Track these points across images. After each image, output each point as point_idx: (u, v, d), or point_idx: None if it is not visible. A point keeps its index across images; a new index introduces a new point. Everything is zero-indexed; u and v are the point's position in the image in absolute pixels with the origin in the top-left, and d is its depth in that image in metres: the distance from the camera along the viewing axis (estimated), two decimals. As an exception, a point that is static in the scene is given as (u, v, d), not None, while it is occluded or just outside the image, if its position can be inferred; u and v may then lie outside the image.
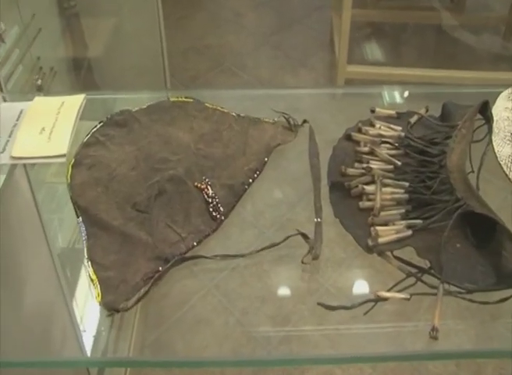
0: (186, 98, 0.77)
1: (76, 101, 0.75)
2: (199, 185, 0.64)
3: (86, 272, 0.55)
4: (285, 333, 0.56)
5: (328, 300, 0.55)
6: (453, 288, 0.55)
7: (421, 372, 1.17)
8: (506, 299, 0.53)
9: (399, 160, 0.67)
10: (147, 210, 0.60)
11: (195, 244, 0.58)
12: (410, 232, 0.58)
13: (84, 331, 0.56)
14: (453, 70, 1.85)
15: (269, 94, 0.88)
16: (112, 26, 1.49)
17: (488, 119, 0.73)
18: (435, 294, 0.54)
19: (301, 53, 2.19)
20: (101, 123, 0.72)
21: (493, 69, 1.88)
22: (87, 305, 0.58)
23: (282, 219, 0.64)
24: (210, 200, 0.62)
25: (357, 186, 0.63)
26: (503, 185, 0.67)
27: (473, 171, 0.67)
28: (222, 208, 0.62)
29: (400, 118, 0.74)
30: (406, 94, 0.87)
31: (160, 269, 0.55)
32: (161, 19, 1.58)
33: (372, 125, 0.73)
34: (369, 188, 0.63)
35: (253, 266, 0.59)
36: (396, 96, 0.87)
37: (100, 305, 0.52)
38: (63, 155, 0.67)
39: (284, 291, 0.60)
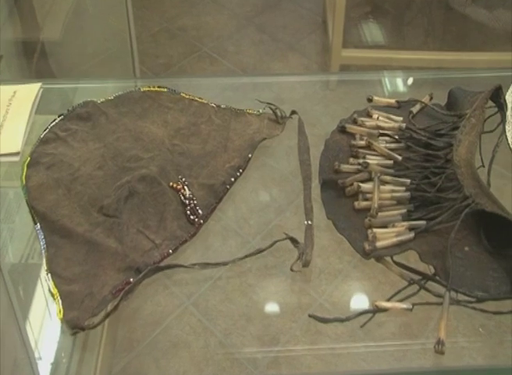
0: (159, 87, 0.78)
1: (31, 91, 0.75)
2: (175, 185, 0.65)
3: (45, 287, 0.56)
4: (274, 354, 0.56)
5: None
6: (461, 297, 0.57)
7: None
8: (519, 307, 0.55)
9: (399, 154, 0.69)
10: (115, 214, 0.61)
11: (171, 251, 0.60)
12: (412, 234, 0.60)
13: (40, 359, 0.56)
14: (464, 52, 1.88)
15: (254, 82, 0.90)
16: (69, 5, 1.50)
17: (502, 107, 0.75)
18: (441, 304, 0.56)
19: (290, 36, 2.20)
20: (61, 117, 0.73)
21: (509, 49, 1.91)
22: (44, 328, 0.58)
23: (269, 223, 0.66)
24: (187, 202, 0.64)
25: (352, 184, 0.65)
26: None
27: (483, 165, 0.70)
28: (200, 211, 0.63)
29: (400, 107, 0.77)
30: (409, 80, 0.89)
31: (131, 280, 0.57)
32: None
33: (369, 115, 0.75)
34: (366, 186, 0.65)
35: (236, 278, 0.60)
36: (398, 83, 0.89)
37: (62, 322, 0.53)
38: (17, 153, 0.68)
39: (272, 308, 0.61)
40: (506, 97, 0.77)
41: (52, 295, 0.55)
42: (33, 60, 1.41)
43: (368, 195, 0.64)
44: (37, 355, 0.56)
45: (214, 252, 0.62)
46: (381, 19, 2.20)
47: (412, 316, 0.56)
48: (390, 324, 0.57)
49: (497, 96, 0.75)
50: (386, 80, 0.86)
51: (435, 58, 1.84)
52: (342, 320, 0.56)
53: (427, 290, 0.57)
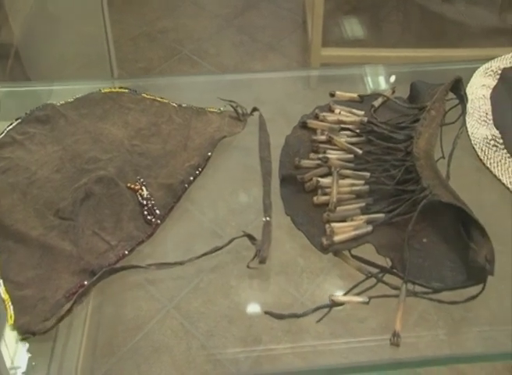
0: (120, 88, 0.78)
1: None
2: (132, 186, 0.65)
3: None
4: (256, 354, 0.56)
5: (304, 319, 0.55)
6: (419, 288, 0.57)
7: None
8: (474, 297, 0.54)
9: (360, 148, 0.69)
10: (71, 217, 0.60)
11: (126, 252, 0.59)
12: (370, 228, 0.60)
13: (14, 369, 0.55)
14: (443, 49, 1.89)
15: (234, 82, 0.88)
16: (42, 8, 1.48)
17: (462, 99, 0.75)
18: (398, 296, 0.55)
19: (270, 36, 2.20)
20: (19, 120, 0.72)
21: (489, 45, 1.92)
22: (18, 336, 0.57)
23: (229, 221, 0.65)
24: (145, 202, 0.63)
25: (311, 179, 0.65)
26: (478, 171, 0.70)
27: (444, 157, 0.69)
28: (158, 211, 0.63)
29: (363, 101, 0.76)
30: (387, 74, 0.87)
31: (85, 283, 0.56)
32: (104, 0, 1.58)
33: (332, 110, 0.75)
34: (325, 181, 0.64)
35: (218, 280, 0.60)
36: (380, 78, 0.87)
37: (13, 328, 0.52)
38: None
39: (254, 308, 0.60)
40: (467, 89, 0.77)
41: (4, 301, 0.54)
42: (7, 65, 1.40)
43: (327, 190, 0.64)
44: (10, 365, 0.55)
45: (172, 249, 0.62)
46: (360, 17, 2.20)
47: (393, 312, 0.56)
48: (371, 320, 0.57)
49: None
50: (368, 74, 0.85)
51: (414, 55, 1.84)
52: (298, 316, 0.55)
53: (384, 283, 0.57)
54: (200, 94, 0.80)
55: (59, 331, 0.57)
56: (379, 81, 0.87)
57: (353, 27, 2.17)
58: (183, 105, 0.75)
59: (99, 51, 1.68)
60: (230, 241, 0.60)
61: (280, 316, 0.55)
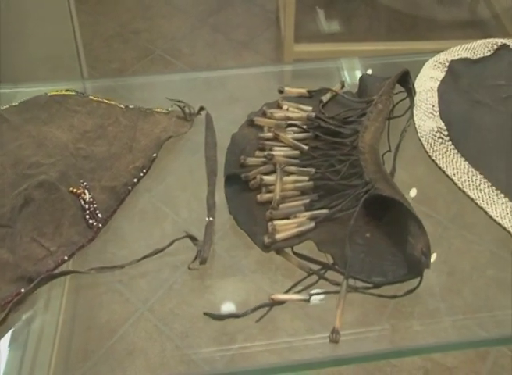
0: (66, 91, 0.76)
1: None
2: (75, 190, 0.64)
3: None
4: (232, 353, 0.55)
5: (282, 313, 0.55)
6: (360, 283, 0.56)
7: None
8: (412, 291, 0.54)
9: (307, 144, 0.68)
10: (9, 224, 0.59)
11: (66, 258, 0.58)
12: (312, 224, 0.59)
13: None
14: (415, 42, 1.89)
15: (208, 81, 0.86)
16: (8, 10, 1.46)
17: (410, 92, 0.75)
18: (339, 292, 0.55)
19: (244, 34, 2.19)
20: (-42, 127, 0.71)
21: (462, 37, 1.92)
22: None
23: (173, 222, 0.64)
24: (87, 206, 0.62)
25: (255, 177, 0.64)
26: (424, 164, 0.69)
27: (390, 150, 0.69)
28: (100, 215, 0.62)
29: (312, 97, 0.76)
30: (363, 67, 0.85)
31: (22, 290, 0.55)
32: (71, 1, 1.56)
33: (280, 107, 0.74)
34: (269, 178, 0.64)
35: (193, 281, 0.59)
36: (357, 71, 0.85)
37: None
38: None
39: (229, 307, 0.59)
40: (416, 82, 0.77)
41: None
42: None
43: (272, 187, 0.63)
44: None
45: (115, 252, 0.61)
46: (332, 12, 2.20)
47: (368, 305, 0.56)
48: (348, 314, 0.56)
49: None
50: (344, 68, 0.84)
51: (387, 48, 1.84)
52: (238, 316, 0.54)
53: (325, 279, 0.56)
54: (166, 93, 0.77)
55: (29, 338, 0.56)
56: (356, 75, 0.86)
57: (326, 23, 2.16)
58: (131, 107, 0.74)
59: (69, 52, 1.66)
60: (171, 243, 0.59)
61: (219, 317, 0.54)
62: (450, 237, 0.64)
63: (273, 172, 0.65)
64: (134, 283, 0.59)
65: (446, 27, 2.07)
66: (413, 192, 0.67)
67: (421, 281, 0.54)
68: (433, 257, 0.60)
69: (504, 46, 0.79)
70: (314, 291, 0.56)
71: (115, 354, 0.57)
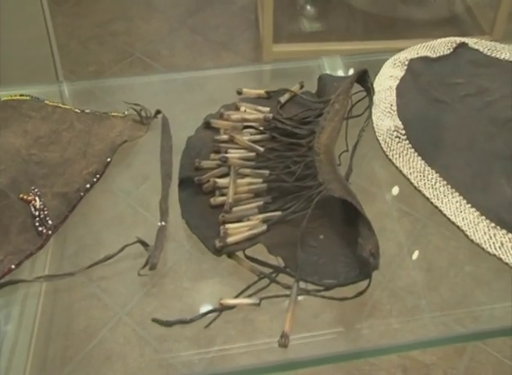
0: (21, 95, 0.75)
1: None
2: (25, 197, 0.63)
3: None
4: (211, 355, 0.55)
5: (260, 314, 0.55)
6: (313, 286, 0.55)
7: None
8: (362, 292, 0.53)
9: (263, 146, 0.67)
10: (-45, 234, 0.58)
11: (13, 267, 0.57)
12: (264, 227, 0.59)
13: None
14: (394, 41, 1.89)
15: (186, 83, 0.85)
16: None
17: (369, 91, 0.74)
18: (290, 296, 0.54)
19: (223, 35, 2.19)
20: None
21: (441, 35, 1.93)
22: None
23: (128, 227, 0.63)
24: (37, 213, 0.61)
25: (208, 180, 0.63)
26: (381, 163, 0.69)
27: (348, 150, 0.69)
28: (50, 222, 0.61)
29: (271, 98, 0.75)
30: (345, 65, 0.85)
31: (-34, 300, 0.54)
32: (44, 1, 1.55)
33: (238, 109, 0.73)
34: (222, 181, 0.63)
35: (171, 284, 0.59)
36: (339, 70, 0.84)
37: None
38: None
39: (207, 310, 0.59)
40: (375, 81, 0.76)
41: None
42: None
43: (225, 190, 0.62)
44: None
45: (66, 259, 0.60)
46: (311, 11, 2.20)
47: (347, 305, 0.56)
48: (325, 315, 0.56)
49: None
50: (326, 67, 0.83)
51: (366, 47, 1.84)
52: (186, 322, 0.54)
53: (277, 282, 0.56)
54: (143, 96, 0.77)
55: (3, 346, 0.55)
56: (338, 73, 0.85)
57: (305, 22, 2.16)
58: (86, 111, 0.73)
59: (44, 55, 1.64)
60: (122, 249, 0.58)
61: (167, 324, 0.54)
62: (428, 234, 0.64)
63: (227, 175, 0.64)
64: (113, 288, 0.59)
65: (424, 26, 2.07)
66: (368, 192, 0.67)
67: (369, 283, 0.53)
68: (415, 254, 0.61)
69: (463, 44, 0.79)
70: (264, 295, 0.55)
71: (93, 360, 0.56)
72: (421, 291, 0.58)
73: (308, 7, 2.22)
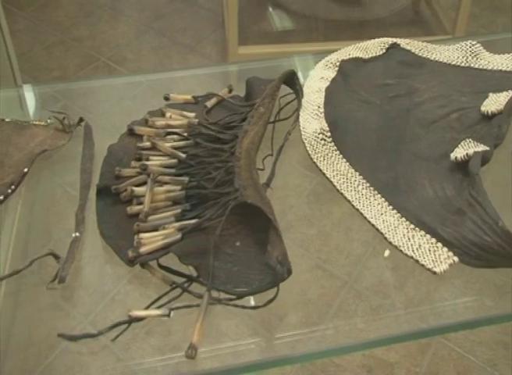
0: None
1: None
2: None
3: None
4: (176, 361, 0.53)
5: (226, 319, 0.54)
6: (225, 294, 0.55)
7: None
8: (271, 300, 0.53)
9: (186, 152, 0.66)
10: None
11: None
12: (179, 235, 0.58)
13: None
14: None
15: (152, 86, 0.83)
16: None
17: (298, 93, 0.74)
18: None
19: (190, 37, 2.17)
20: None
21: (406, 35, 1.93)
22: None
23: (46, 238, 0.62)
24: None
25: (126, 189, 0.62)
26: (306, 166, 0.68)
27: (272, 154, 0.68)
28: (-40, 236, 0.60)
29: (198, 103, 0.74)
30: (314, 64, 0.81)
31: None
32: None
33: (163, 114, 0.72)
34: (140, 189, 0.62)
35: (136, 291, 0.58)
36: (307, 69, 0.82)
37: None
38: None
39: (172, 317, 0.57)
40: (306, 82, 0.76)
41: None
42: None
43: (143, 199, 0.61)
44: None
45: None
46: (276, 13, 2.19)
47: (313, 306, 0.56)
48: (291, 316, 0.56)
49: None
50: (297, 66, 0.82)
51: (332, 48, 1.83)
52: (94, 336, 0.52)
53: (188, 292, 0.55)
54: (108, 100, 0.77)
55: None
56: (309, 72, 0.83)
57: (270, 24, 2.15)
58: (7, 120, 0.72)
59: (1, 60, 1.62)
60: (31, 262, 0.57)
61: (73, 338, 0.52)
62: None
63: (146, 183, 0.63)
64: (76, 297, 0.57)
65: (389, 26, 2.07)
66: (290, 196, 0.66)
67: (277, 292, 0.53)
68: (381, 254, 0.60)
69: (395, 45, 0.79)
70: (174, 306, 0.54)
71: (54, 372, 0.54)
72: (385, 290, 0.58)
73: (274, 8, 2.22)
